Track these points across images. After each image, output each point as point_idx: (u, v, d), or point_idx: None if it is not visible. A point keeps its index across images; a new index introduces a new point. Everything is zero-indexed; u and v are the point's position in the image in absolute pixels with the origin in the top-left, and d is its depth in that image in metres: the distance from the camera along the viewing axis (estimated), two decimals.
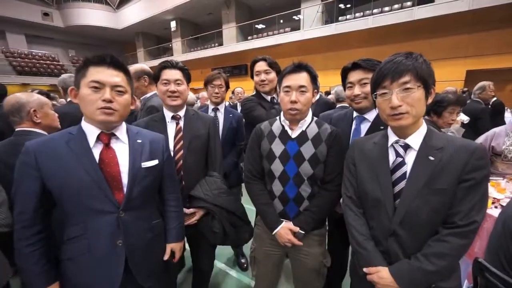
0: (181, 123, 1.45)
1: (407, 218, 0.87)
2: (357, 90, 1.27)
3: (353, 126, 1.39)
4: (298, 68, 1.16)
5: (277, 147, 1.23)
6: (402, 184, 0.89)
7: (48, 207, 0.94)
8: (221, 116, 2.05)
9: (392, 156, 0.94)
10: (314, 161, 1.18)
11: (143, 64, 2.15)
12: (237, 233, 1.46)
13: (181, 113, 1.46)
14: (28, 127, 1.38)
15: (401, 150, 0.92)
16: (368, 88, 1.24)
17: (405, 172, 0.89)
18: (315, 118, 1.27)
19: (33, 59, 16.53)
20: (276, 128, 1.27)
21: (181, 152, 1.40)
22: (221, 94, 1.99)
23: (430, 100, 0.87)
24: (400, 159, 0.91)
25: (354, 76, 1.29)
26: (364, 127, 1.34)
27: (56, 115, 1.54)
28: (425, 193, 0.84)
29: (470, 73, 7.83)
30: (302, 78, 1.15)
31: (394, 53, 0.89)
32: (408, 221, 0.87)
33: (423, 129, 0.91)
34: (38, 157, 0.87)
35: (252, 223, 1.53)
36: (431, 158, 0.85)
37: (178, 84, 1.40)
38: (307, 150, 1.19)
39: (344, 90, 1.40)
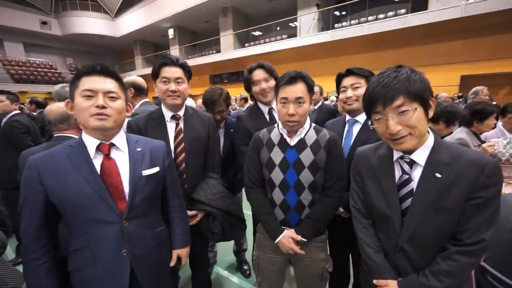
0: (181, 124, 1.43)
1: (415, 236, 0.85)
2: (349, 93, 1.39)
3: (346, 129, 1.47)
4: (294, 79, 1.14)
5: (277, 156, 1.23)
6: (410, 201, 0.86)
7: (54, 220, 0.94)
8: (221, 132, 1.99)
9: (398, 172, 0.90)
10: (314, 168, 1.18)
11: (133, 77, 2.13)
12: (234, 232, 1.50)
13: (181, 112, 1.43)
14: (72, 134, 1.47)
15: (406, 167, 0.87)
16: (359, 91, 1.36)
17: (412, 189, 0.85)
18: (313, 125, 1.27)
19: (30, 67, 16.52)
20: (274, 136, 1.27)
21: (183, 154, 1.39)
22: (222, 117, 1.94)
23: (431, 114, 0.82)
24: (406, 176, 0.87)
25: (347, 81, 1.41)
26: (356, 129, 1.43)
27: None
28: (432, 211, 0.81)
29: (464, 78, 7.96)
30: (298, 89, 1.14)
31: (381, 71, 0.84)
32: (416, 238, 0.85)
33: (429, 142, 0.84)
34: (41, 172, 0.88)
35: (249, 228, 1.56)
36: (438, 175, 0.80)
37: (179, 83, 1.34)
38: (307, 157, 1.19)
39: (338, 94, 1.51)
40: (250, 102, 5.10)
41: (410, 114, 0.77)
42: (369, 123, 0.89)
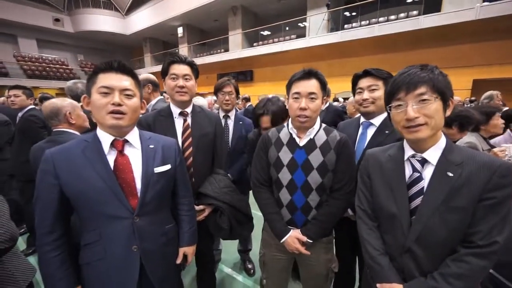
0: (189, 120, 1.47)
1: (423, 236, 0.83)
2: (366, 95, 1.35)
3: (360, 131, 1.43)
4: (308, 74, 1.15)
5: (285, 155, 1.22)
6: (419, 200, 0.85)
7: (67, 213, 0.97)
8: (231, 123, 2.05)
9: (408, 171, 0.90)
10: (323, 170, 1.18)
11: (148, 74, 2.27)
12: (241, 229, 1.50)
13: (188, 109, 1.48)
14: (64, 128, 1.54)
15: (418, 165, 0.87)
16: (376, 93, 1.31)
17: (423, 188, 0.85)
18: (323, 125, 1.26)
19: (43, 63, 16.89)
20: (283, 135, 1.26)
21: (190, 149, 1.43)
22: (231, 101, 2.00)
23: (449, 113, 0.83)
24: (417, 174, 0.87)
25: (364, 82, 1.36)
26: (370, 132, 1.39)
27: (86, 116, 1.69)
28: (443, 211, 0.80)
29: (476, 83, 7.79)
30: (312, 85, 1.14)
31: (408, 66, 0.86)
32: (424, 238, 0.83)
33: (442, 142, 0.85)
34: (56, 165, 0.90)
35: (257, 228, 1.56)
36: (450, 174, 0.80)
37: (187, 79, 1.39)
38: (316, 158, 1.18)
39: (354, 95, 1.47)
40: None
41: (430, 104, 0.79)
42: (387, 109, 0.90)
